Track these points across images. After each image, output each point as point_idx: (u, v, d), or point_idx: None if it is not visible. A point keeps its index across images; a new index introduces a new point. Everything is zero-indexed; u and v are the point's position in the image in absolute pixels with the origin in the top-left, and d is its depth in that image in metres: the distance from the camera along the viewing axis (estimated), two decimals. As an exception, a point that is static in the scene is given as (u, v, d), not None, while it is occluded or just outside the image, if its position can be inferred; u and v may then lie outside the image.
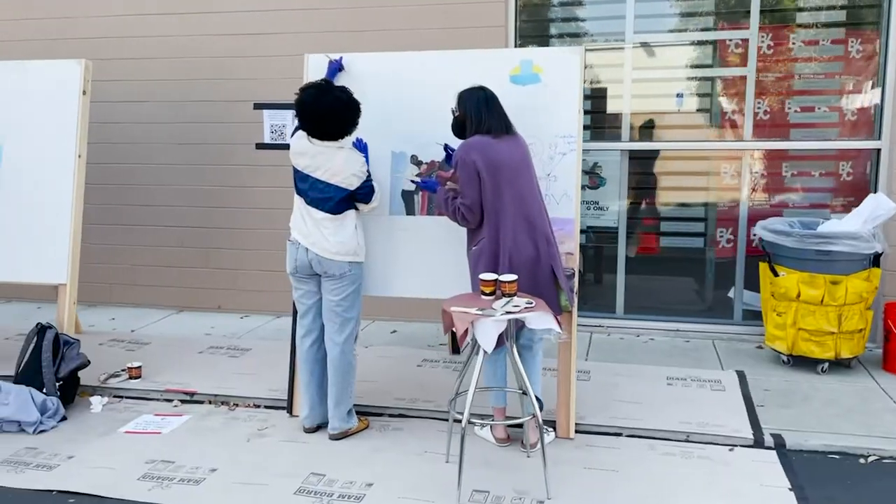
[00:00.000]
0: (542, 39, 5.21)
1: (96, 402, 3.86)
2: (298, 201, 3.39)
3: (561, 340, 3.35)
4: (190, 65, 5.52)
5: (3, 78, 4.13)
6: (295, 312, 3.68)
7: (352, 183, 3.31)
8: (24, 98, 4.09)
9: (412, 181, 3.59)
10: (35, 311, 5.64)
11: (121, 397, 3.98)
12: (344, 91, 3.28)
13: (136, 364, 4.10)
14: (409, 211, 3.65)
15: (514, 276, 2.97)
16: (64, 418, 3.66)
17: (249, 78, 5.45)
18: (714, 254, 5.22)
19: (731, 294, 5.14)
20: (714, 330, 5.02)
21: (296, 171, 3.37)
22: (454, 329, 2.96)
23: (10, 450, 3.35)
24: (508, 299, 2.92)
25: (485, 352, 2.86)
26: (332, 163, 3.28)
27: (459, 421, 2.94)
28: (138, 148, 5.71)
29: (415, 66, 3.69)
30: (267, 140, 5.46)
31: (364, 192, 3.36)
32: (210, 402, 3.89)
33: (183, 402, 3.91)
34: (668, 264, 5.39)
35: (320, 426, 3.51)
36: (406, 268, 3.62)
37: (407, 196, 3.64)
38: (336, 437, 3.42)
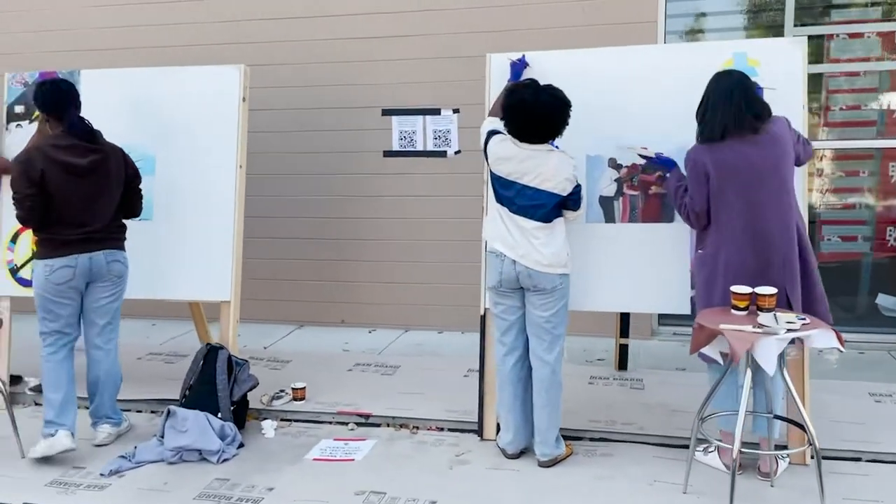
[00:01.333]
0: (691, 35, 4.95)
1: (268, 426, 3.63)
2: (499, 210, 3.14)
3: (790, 357, 3.07)
4: (317, 70, 5.33)
5: (156, 84, 3.94)
6: (482, 328, 3.46)
7: (565, 188, 3.06)
8: (179, 105, 3.90)
9: (640, 154, 3.30)
10: (150, 328, 5.47)
11: (289, 420, 3.75)
12: (557, 89, 3.04)
13: (300, 385, 3.88)
14: (609, 218, 3.39)
15: (772, 290, 2.70)
16: (241, 445, 3.45)
17: (374, 83, 5.25)
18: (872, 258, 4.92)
19: (879, 301, 4.84)
20: (887, 340, 4.70)
21: (496, 178, 3.12)
22: (705, 348, 2.72)
23: (201, 482, 3.13)
24: (773, 314, 2.64)
25: (752, 372, 2.61)
26: (544, 167, 3.04)
27: (702, 448, 2.67)
28: (260, 158, 5.53)
29: (608, 63, 3.44)
30: (395, 147, 5.26)
31: (576, 198, 3.11)
32: (388, 426, 3.65)
33: (359, 424, 3.68)
34: (829, 271, 5.08)
35: (522, 451, 3.27)
36: (607, 280, 3.36)
37: (605, 202, 3.38)
38: (546, 465, 3.16)
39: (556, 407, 3.16)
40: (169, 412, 3.43)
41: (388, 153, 5.25)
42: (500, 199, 3.13)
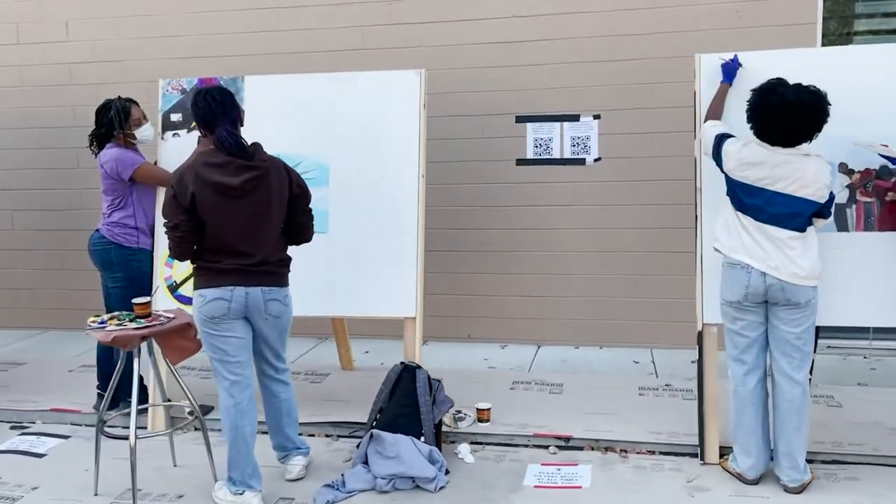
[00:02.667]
0: (846, 38, 4.80)
1: (465, 450, 3.42)
2: (741, 219, 2.94)
3: None
4: (447, 76, 5.14)
5: (328, 91, 3.75)
6: (700, 346, 3.27)
7: (823, 195, 2.86)
8: (354, 113, 3.72)
9: (881, 154, 3.10)
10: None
11: (481, 443, 3.55)
12: (816, 88, 2.85)
13: (484, 406, 3.66)
14: (841, 227, 3.21)
15: None
16: (447, 471, 3.25)
17: (507, 89, 5.06)
18: None
19: None
20: None
21: (739, 185, 2.93)
22: None
23: (428, 513, 2.94)
24: None
25: None
26: (802, 172, 2.85)
27: None
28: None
29: (825, 63, 3.28)
30: (530, 155, 5.07)
31: (829, 206, 2.93)
32: (592, 449, 3.45)
33: (559, 448, 3.48)
34: None
35: (761, 476, 3.07)
36: (839, 292, 3.16)
37: (837, 210, 3.20)
38: (796, 491, 2.95)
39: (805, 429, 2.96)
40: (372, 436, 3.22)
41: (522, 161, 5.07)
42: (744, 208, 2.94)
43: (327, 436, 3.70)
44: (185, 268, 3.84)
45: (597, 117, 4.94)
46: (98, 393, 4.01)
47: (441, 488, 3.09)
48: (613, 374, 4.47)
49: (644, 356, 4.83)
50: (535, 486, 3.11)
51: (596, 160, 4.97)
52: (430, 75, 5.03)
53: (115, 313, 3.23)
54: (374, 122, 3.70)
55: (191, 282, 3.79)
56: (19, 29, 5.67)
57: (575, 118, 4.97)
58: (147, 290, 3.83)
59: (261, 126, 3.80)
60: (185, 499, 3.09)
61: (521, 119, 5.05)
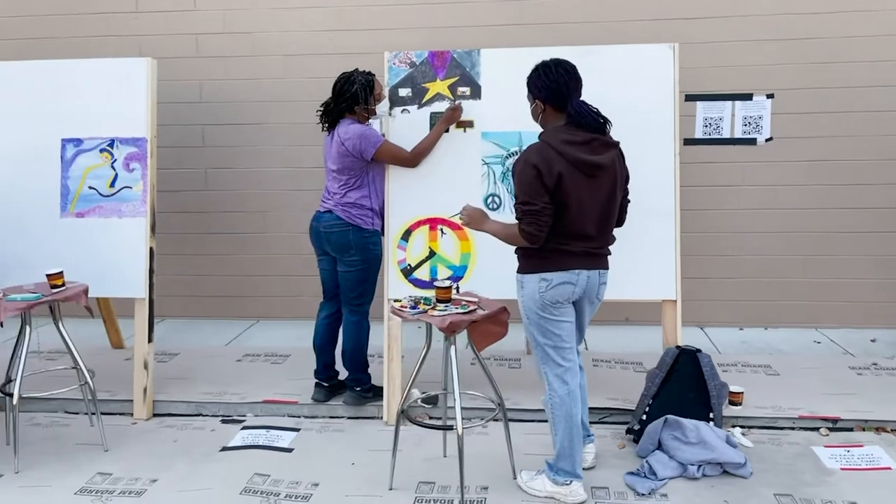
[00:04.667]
0: None
1: (738, 433, 3.37)
2: None
3: None
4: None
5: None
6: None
7: None
8: (601, 88, 3.51)
9: None
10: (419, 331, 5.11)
11: (746, 427, 3.50)
12: None
13: (738, 389, 3.60)
14: None
15: None
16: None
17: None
18: None
19: None
20: None
21: None
22: None
23: (758, 501, 2.86)
24: None
25: None
26: None
27: None
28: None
29: None
30: (699, 135, 5.00)
31: None
32: (862, 429, 3.43)
33: (829, 430, 3.45)
34: None
35: None
36: None
37: None
38: None
39: None
40: (666, 421, 3.14)
41: (690, 141, 5.00)
42: None
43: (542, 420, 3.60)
44: (420, 251, 3.67)
45: (770, 96, 4.90)
46: (317, 382, 3.82)
47: (751, 474, 3.03)
48: (809, 354, 4.47)
49: (816, 336, 4.85)
50: (843, 469, 3.08)
51: (767, 140, 4.95)
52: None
53: (417, 296, 3.04)
54: (623, 98, 3.54)
55: (425, 265, 3.67)
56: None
57: (747, 97, 4.93)
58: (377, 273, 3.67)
59: (499, 102, 3.65)
60: (492, 490, 2.96)
61: (691, 98, 4.97)
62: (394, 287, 3.67)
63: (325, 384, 3.82)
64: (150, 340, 3.80)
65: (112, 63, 3.87)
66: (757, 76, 4.89)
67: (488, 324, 2.87)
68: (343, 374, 3.83)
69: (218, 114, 5.38)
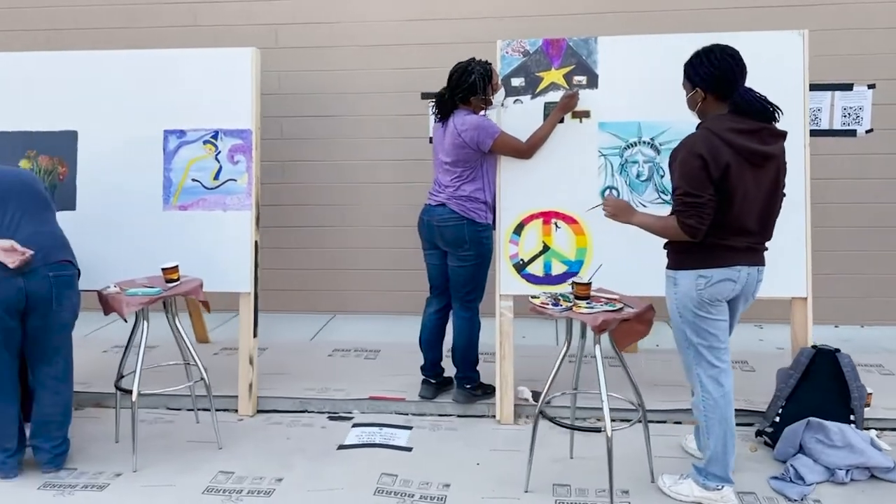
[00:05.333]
0: None
1: (873, 436, 3.26)
2: None
3: None
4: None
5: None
6: None
7: None
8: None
9: None
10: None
11: (879, 429, 3.38)
12: None
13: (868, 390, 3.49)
14: None
15: None
16: (886, 462, 3.06)
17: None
18: None
19: None
20: None
21: None
22: None
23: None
24: None
25: None
26: None
27: None
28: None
29: None
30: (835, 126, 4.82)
31: None
32: None
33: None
34: None
35: None
36: None
37: None
38: None
39: None
40: (808, 424, 3.02)
41: (818, 132, 4.82)
42: None
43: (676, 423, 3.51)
44: (533, 246, 3.57)
45: (871, 87, 4.74)
46: (424, 379, 3.74)
47: (904, 479, 2.92)
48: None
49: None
50: None
51: (868, 132, 4.79)
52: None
53: (555, 293, 2.94)
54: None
55: (538, 260, 3.57)
56: (216, -14, 5.25)
57: (848, 87, 4.77)
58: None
59: (617, 91, 3.54)
60: (633, 494, 2.86)
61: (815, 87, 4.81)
62: (506, 282, 3.57)
63: (433, 381, 3.73)
64: (254, 335, 3.74)
65: (216, 53, 3.80)
66: (857, 66, 4.73)
67: (634, 322, 2.77)
68: (449, 370, 3.76)
69: (296, 106, 5.30)
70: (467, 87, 3.38)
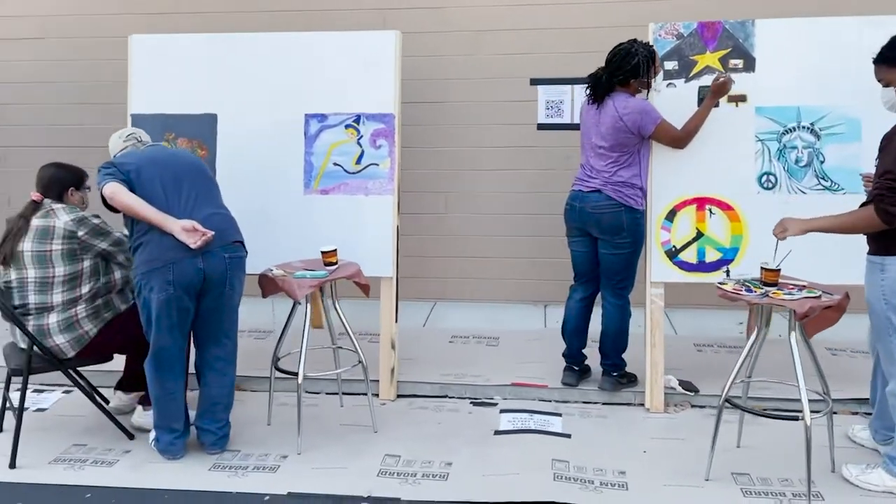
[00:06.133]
0: None
1: None
2: None
3: None
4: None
5: (863, 35, 3.35)
6: None
7: None
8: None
9: None
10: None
11: None
12: None
13: None
14: None
15: None
16: None
17: None
18: None
19: None
20: None
21: None
22: None
23: None
24: None
25: None
26: None
27: None
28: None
29: None
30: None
31: None
32: None
33: None
34: None
35: None
36: None
37: None
38: None
39: None
40: None
41: None
42: None
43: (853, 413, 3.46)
44: (686, 232, 3.52)
45: None
46: (567, 366, 3.71)
47: None
48: None
49: None
50: None
51: None
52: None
53: (744, 279, 2.92)
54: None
55: (692, 247, 3.52)
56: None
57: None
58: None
59: (775, 75, 3.46)
60: (819, 485, 2.80)
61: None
62: (657, 270, 3.52)
63: (576, 368, 3.71)
64: (395, 321, 3.73)
65: (358, 36, 3.77)
66: None
67: (828, 309, 2.72)
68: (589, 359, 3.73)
69: (403, 92, 5.28)
70: (630, 69, 3.32)
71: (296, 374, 3.16)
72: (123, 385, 3.52)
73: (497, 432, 3.32)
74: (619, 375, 3.61)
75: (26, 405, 3.50)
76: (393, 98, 3.72)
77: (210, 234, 2.87)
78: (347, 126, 3.76)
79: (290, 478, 2.94)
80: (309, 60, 3.79)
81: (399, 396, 3.75)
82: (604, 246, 3.50)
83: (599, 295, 3.65)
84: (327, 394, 3.78)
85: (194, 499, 2.81)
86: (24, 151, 5.61)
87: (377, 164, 3.74)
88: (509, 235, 5.28)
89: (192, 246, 2.84)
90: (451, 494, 2.80)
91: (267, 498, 2.80)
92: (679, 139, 3.41)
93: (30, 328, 3.03)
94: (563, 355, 3.73)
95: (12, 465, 3.03)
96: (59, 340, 3.06)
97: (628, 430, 3.33)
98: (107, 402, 3.56)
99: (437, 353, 4.21)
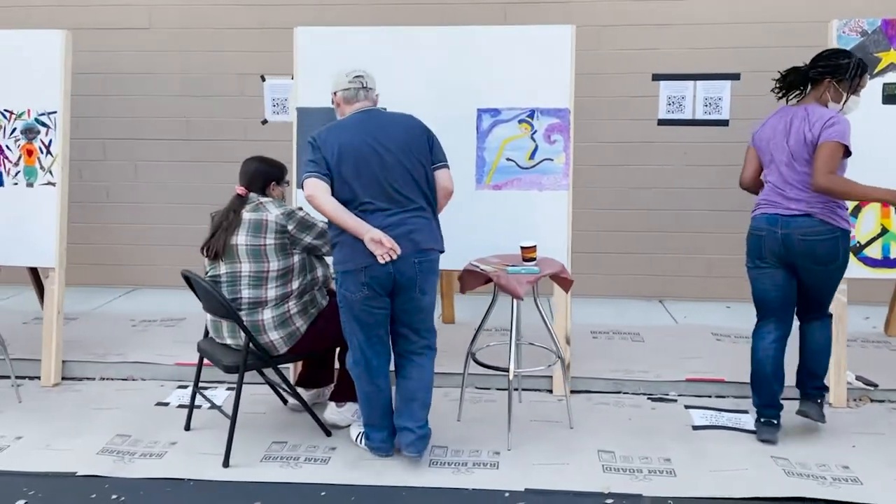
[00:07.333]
0: None
1: None
2: None
3: None
4: None
5: None
6: None
7: None
8: None
9: None
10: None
11: None
12: None
13: None
14: None
15: None
16: None
17: None
18: None
19: None
20: None
21: None
22: None
23: None
24: None
25: None
26: None
27: None
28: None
29: None
30: None
31: None
32: None
33: None
34: None
35: None
36: None
37: None
38: None
39: None
40: None
41: None
42: None
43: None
44: (871, 228, 3.54)
45: None
46: (765, 421, 3.21)
47: None
48: None
49: None
50: None
51: None
52: None
53: None
54: None
55: (876, 243, 3.54)
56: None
57: None
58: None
59: None
60: None
61: None
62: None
63: (775, 421, 3.20)
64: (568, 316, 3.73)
65: (535, 30, 3.74)
66: None
67: None
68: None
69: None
70: (834, 65, 3.03)
71: (505, 371, 3.14)
72: (305, 382, 3.49)
73: (695, 427, 3.33)
74: (822, 402, 3.27)
75: (197, 403, 3.44)
76: (569, 93, 3.70)
77: (397, 250, 2.79)
78: (521, 121, 3.74)
79: (516, 474, 2.92)
80: (481, 54, 3.73)
81: (573, 392, 3.74)
82: (807, 275, 3.09)
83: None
84: (497, 389, 3.76)
85: (436, 496, 2.79)
86: (123, 144, 5.53)
87: (552, 160, 3.72)
88: (630, 231, 5.27)
89: (380, 260, 2.78)
90: (688, 490, 2.80)
91: (507, 494, 2.79)
92: (830, 175, 2.91)
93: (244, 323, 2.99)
94: (756, 406, 3.25)
95: (226, 463, 3.00)
96: (273, 336, 3.02)
97: (818, 425, 3.34)
98: (285, 401, 3.53)
99: (587, 349, 4.20)
